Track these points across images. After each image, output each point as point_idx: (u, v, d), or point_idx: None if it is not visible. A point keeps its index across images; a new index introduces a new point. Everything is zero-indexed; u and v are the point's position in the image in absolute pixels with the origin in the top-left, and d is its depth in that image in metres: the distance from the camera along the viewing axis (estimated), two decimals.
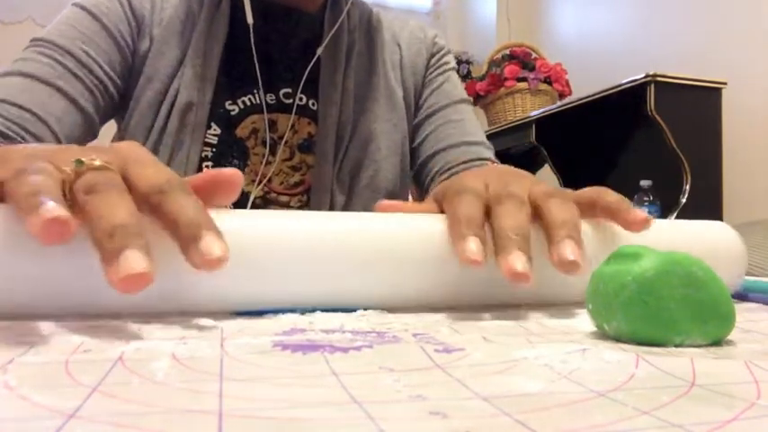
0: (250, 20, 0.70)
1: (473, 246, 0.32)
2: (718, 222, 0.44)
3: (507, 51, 2.55)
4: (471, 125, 0.79)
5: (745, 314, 0.34)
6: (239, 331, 0.27)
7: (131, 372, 0.19)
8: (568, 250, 0.32)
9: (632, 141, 2.16)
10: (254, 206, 0.69)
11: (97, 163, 0.30)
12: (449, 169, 0.74)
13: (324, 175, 0.70)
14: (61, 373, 0.19)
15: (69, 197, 0.29)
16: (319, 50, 0.73)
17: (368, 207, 0.71)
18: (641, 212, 0.36)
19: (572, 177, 2.38)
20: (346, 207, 0.72)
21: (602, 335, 0.27)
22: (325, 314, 0.32)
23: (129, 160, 0.32)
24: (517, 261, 0.31)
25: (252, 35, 0.70)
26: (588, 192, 0.39)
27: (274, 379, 0.19)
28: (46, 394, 0.17)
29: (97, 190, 0.28)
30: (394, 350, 0.24)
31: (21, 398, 0.16)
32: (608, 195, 0.38)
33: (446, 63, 0.83)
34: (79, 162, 0.30)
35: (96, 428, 0.14)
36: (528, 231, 0.34)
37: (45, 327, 0.27)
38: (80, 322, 0.29)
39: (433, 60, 0.82)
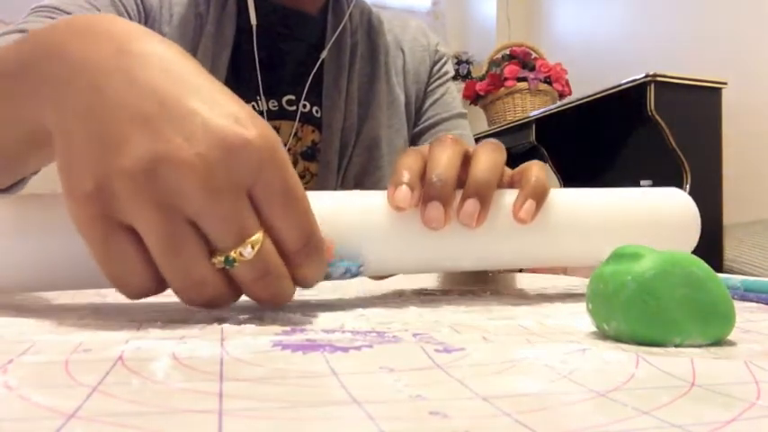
0: (254, 20, 0.69)
1: (401, 195, 0.36)
2: (672, 188, 0.45)
3: (507, 51, 2.55)
4: (469, 141, 0.79)
5: (745, 314, 0.34)
6: (239, 331, 0.27)
7: (131, 372, 0.19)
8: (469, 209, 0.37)
9: (632, 141, 2.16)
10: None
11: (247, 256, 0.27)
12: None
13: (328, 183, 0.70)
14: (61, 373, 0.19)
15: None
16: (324, 53, 0.72)
17: None
18: (528, 209, 0.38)
19: (572, 177, 2.38)
20: None
21: (602, 335, 0.27)
22: (325, 314, 0.32)
23: (270, 194, 0.28)
24: (432, 212, 0.36)
25: (255, 38, 0.69)
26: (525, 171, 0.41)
27: (274, 379, 0.19)
28: (46, 394, 0.17)
29: (255, 285, 0.28)
30: (394, 350, 0.24)
31: (21, 398, 0.16)
32: (530, 178, 0.39)
33: (446, 73, 0.83)
34: (229, 262, 0.27)
35: (96, 428, 0.14)
36: (453, 174, 0.37)
37: (45, 327, 0.27)
38: (80, 321, 0.29)
39: (435, 69, 0.82)
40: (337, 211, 0.36)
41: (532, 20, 3.05)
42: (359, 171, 0.72)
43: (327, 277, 0.35)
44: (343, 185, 0.71)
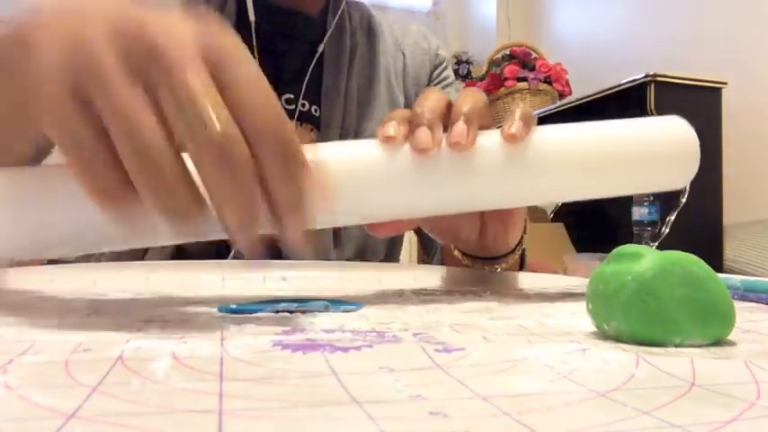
0: (252, 17, 0.69)
1: (390, 128, 0.37)
2: (670, 116, 0.44)
3: (507, 51, 2.55)
4: None
5: (745, 314, 0.34)
6: (239, 331, 0.27)
7: (131, 372, 0.19)
8: (458, 129, 0.38)
9: None
10: None
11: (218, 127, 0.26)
12: None
13: None
14: (61, 373, 0.19)
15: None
16: (321, 47, 0.72)
17: None
18: (518, 126, 0.38)
19: None
20: None
21: (602, 335, 0.27)
22: (325, 313, 0.32)
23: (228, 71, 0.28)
24: (421, 135, 0.37)
25: (254, 37, 0.70)
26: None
27: (274, 379, 0.19)
28: (46, 394, 0.17)
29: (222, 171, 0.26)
30: (394, 350, 0.24)
31: (21, 398, 0.16)
32: (515, 110, 0.40)
33: (446, 77, 0.84)
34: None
35: (96, 428, 0.14)
36: (439, 109, 0.39)
37: (45, 327, 0.27)
38: (80, 321, 0.29)
39: (436, 73, 0.83)
40: (327, 158, 0.36)
41: (532, 20, 3.05)
42: None
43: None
44: None
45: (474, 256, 0.52)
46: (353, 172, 0.37)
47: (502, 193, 0.40)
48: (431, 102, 0.39)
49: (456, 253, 0.53)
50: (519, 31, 2.96)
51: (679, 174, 0.42)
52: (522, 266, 0.60)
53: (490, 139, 0.39)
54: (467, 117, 0.38)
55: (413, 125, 0.38)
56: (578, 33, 2.78)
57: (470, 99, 0.40)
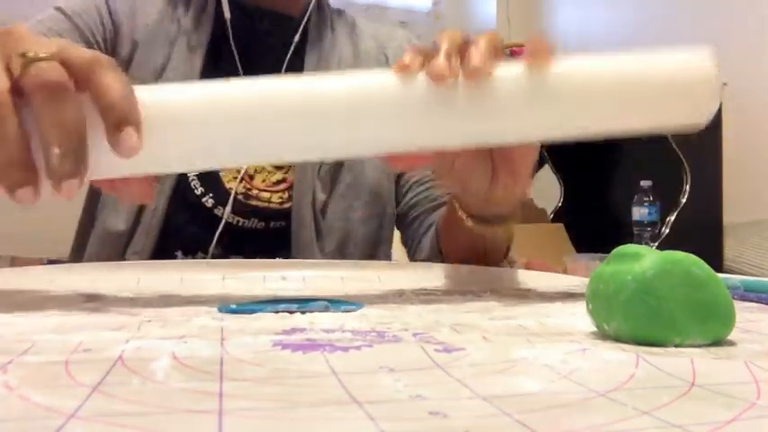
0: (227, 14, 0.71)
1: (406, 57, 0.38)
2: (696, 52, 0.42)
3: (507, 51, 2.55)
4: None
5: (745, 314, 0.34)
6: (239, 331, 0.27)
7: (131, 372, 0.19)
8: (476, 55, 0.38)
9: (632, 141, 2.15)
10: (236, 202, 0.69)
11: (42, 54, 0.32)
12: (428, 181, 0.76)
13: (305, 174, 0.71)
14: (61, 373, 0.19)
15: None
16: (296, 37, 0.73)
17: (351, 206, 0.73)
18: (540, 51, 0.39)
19: (572, 177, 2.38)
20: (327, 206, 0.72)
21: (602, 335, 0.27)
22: (325, 313, 0.32)
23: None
24: (438, 63, 0.37)
25: (231, 36, 0.71)
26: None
27: (274, 379, 0.19)
28: (46, 394, 0.17)
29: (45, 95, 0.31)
30: (394, 350, 0.24)
31: (21, 398, 0.16)
32: (535, 39, 0.40)
33: None
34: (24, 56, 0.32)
35: (96, 428, 0.14)
36: (456, 42, 0.39)
37: (45, 327, 0.27)
38: (80, 321, 0.29)
39: None
40: (346, 90, 0.37)
41: (532, 20, 3.05)
42: (336, 164, 0.74)
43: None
44: (320, 177, 0.71)
45: (476, 218, 0.52)
46: (367, 100, 0.37)
47: (518, 124, 0.39)
48: (448, 34, 0.40)
49: (460, 213, 0.52)
50: (519, 31, 2.96)
51: (697, 106, 0.41)
52: (506, 256, 0.60)
53: (506, 71, 0.39)
54: (484, 48, 0.38)
55: (429, 55, 0.38)
56: (578, 33, 2.78)
57: (487, 35, 0.40)
